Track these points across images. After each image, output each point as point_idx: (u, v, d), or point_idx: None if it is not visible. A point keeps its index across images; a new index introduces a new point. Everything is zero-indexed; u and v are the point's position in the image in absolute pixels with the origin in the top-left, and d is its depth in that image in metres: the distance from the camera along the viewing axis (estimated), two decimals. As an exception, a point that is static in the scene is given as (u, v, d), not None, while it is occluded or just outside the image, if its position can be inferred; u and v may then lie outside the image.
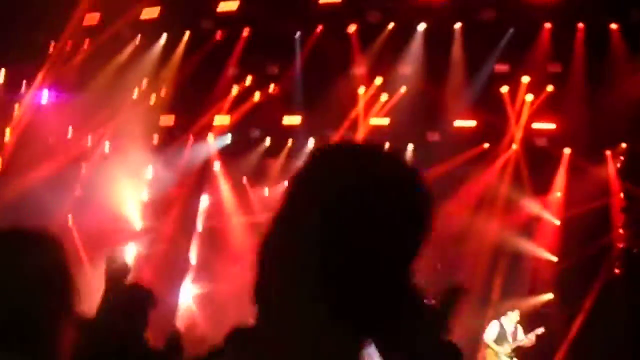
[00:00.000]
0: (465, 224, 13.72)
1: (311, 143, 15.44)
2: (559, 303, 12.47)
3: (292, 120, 15.28)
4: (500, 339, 12.40)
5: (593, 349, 11.98)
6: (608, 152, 14.21)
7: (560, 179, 14.49)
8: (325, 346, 1.42)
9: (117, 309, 5.71)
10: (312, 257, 1.46)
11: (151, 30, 15.02)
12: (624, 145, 14.01)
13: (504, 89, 14.59)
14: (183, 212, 15.53)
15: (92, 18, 14.64)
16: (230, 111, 15.53)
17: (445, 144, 14.58)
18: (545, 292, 13.41)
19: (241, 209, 15.64)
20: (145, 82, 15.34)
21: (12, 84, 15.26)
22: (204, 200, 15.99)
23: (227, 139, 15.75)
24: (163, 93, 15.31)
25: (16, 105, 15.26)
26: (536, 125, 14.58)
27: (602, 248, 13.55)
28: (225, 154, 15.78)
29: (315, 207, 1.47)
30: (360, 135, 15.19)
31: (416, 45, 14.69)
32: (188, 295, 14.16)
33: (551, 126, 14.39)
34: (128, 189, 15.12)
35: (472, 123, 14.59)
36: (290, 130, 15.36)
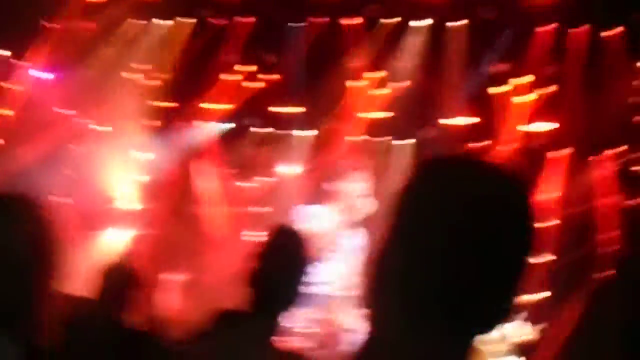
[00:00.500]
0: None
1: (307, 134, 15.45)
2: (551, 302, 12.46)
3: (288, 110, 15.27)
4: (500, 335, 12.36)
5: (585, 348, 11.99)
6: (604, 154, 14.22)
7: (555, 179, 14.49)
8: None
9: (104, 288, 5.70)
10: (436, 274, 1.51)
11: (149, 15, 15.01)
12: (620, 148, 14.03)
13: (502, 89, 14.60)
14: (177, 197, 15.52)
15: (91, -2, 14.64)
16: (226, 99, 15.50)
17: (441, 141, 14.58)
18: (539, 291, 13.39)
19: (230, 198, 15.65)
20: (141, 65, 15.31)
21: (6, 63, 15.20)
22: (197, 186, 15.98)
23: (223, 126, 15.73)
24: (160, 78, 15.29)
25: (11, 86, 15.20)
26: (533, 126, 14.60)
27: (595, 249, 13.57)
28: (220, 141, 15.76)
29: (440, 222, 1.51)
30: (357, 128, 15.19)
31: (414, 41, 14.72)
32: (175, 279, 14.14)
33: (548, 127, 14.42)
34: (122, 171, 15.08)
35: (469, 120, 14.60)
36: (287, 119, 15.34)
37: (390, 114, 14.90)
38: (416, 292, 1.44)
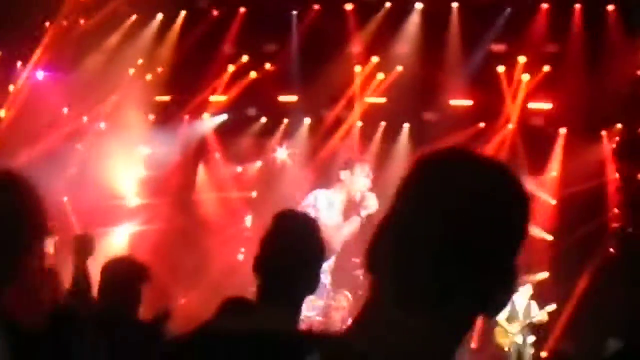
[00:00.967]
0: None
1: (307, 122, 15.47)
2: (554, 282, 12.49)
3: (288, 99, 15.29)
4: (512, 316, 12.26)
5: (588, 328, 12.01)
6: (604, 132, 14.21)
7: (556, 158, 14.49)
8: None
9: (109, 283, 5.74)
10: (429, 267, 1.52)
11: (147, 9, 15.01)
12: (620, 125, 14.01)
13: (501, 69, 14.59)
14: (179, 190, 15.56)
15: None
16: (226, 90, 15.52)
17: (441, 124, 14.59)
18: (541, 271, 13.43)
19: (232, 186, 15.71)
20: (141, 60, 15.34)
21: (8, 63, 15.24)
22: (200, 178, 16.03)
23: (223, 117, 15.76)
24: (159, 72, 15.31)
25: (11, 85, 15.25)
26: (532, 105, 14.59)
27: (597, 228, 13.58)
28: (221, 131, 15.80)
29: (436, 216, 1.53)
30: (356, 114, 15.21)
31: (413, 24, 14.70)
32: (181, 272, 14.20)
33: (548, 106, 14.41)
34: (124, 167, 15.13)
35: (468, 103, 14.60)
36: (287, 109, 15.36)
37: (390, 99, 14.91)
38: (408, 277, 1.49)
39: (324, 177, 11.47)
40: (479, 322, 13.09)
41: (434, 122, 14.72)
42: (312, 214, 7.04)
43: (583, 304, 12.76)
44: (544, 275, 12.90)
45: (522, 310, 12.29)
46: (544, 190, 14.39)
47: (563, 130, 14.48)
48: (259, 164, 15.73)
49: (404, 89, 14.59)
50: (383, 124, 15.14)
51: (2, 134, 14.75)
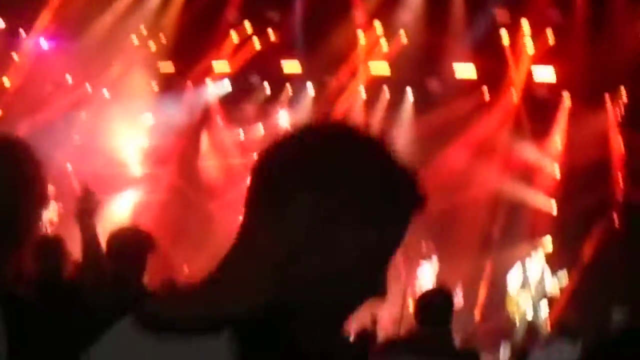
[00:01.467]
0: (464, 171, 13.75)
1: (310, 88, 15.45)
2: (557, 251, 12.44)
3: (291, 66, 15.26)
4: (524, 285, 11.99)
5: (591, 300, 12.00)
6: (608, 99, 14.14)
7: (560, 126, 14.46)
8: None
9: (114, 250, 5.76)
10: (293, 243, 1.45)
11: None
12: (624, 91, 13.93)
13: (504, 35, 14.52)
14: (183, 158, 15.59)
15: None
16: (229, 57, 15.50)
17: (445, 91, 14.57)
18: (548, 240, 13.30)
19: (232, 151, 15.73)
20: (144, 28, 15.31)
21: (11, 32, 15.24)
22: (203, 145, 16.05)
23: (227, 85, 15.75)
24: (162, 40, 15.29)
25: (14, 53, 15.25)
26: (536, 71, 14.54)
27: (601, 197, 13.54)
28: (225, 99, 15.80)
29: (302, 192, 1.45)
30: (359, 81, 15.18)
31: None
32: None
33: (551, 72, 14.35)
34: (127, 135, 15.16)
35: (471, 68, 14.53)
36: (290, 76, 15.35)
37: (393, 66, 14.88)
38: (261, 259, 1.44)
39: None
40: (484, 292, 12.95)
41: (437, 90, 14.70)
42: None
43: (587, 274, 12.74)
44: (546, 239, 12.77)
45: (536, 280, 12.00)
46: (548, 158, 14.39)
47: (566, 95, 14.40)
48: (261, 128, 15.70)
49: (407, 55, 14.56)
50: (386, 89, 15.12)
51: (6, 102, 14.78)
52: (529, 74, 14.59)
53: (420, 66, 14.57)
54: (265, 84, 15.59)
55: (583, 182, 13.45)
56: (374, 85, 15.15)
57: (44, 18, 15.01)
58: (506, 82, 14.74)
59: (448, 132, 13.91)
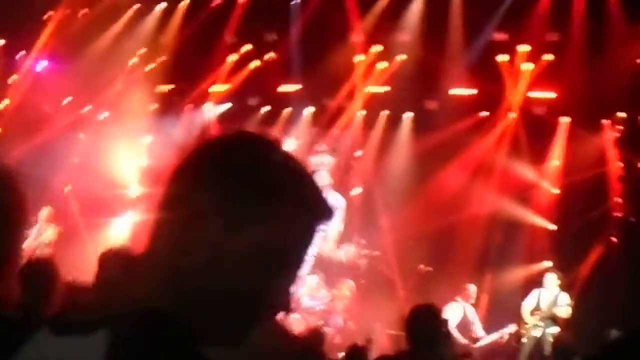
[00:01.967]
0: (462, 191, 13.74)
1: (308, 111, 15.47)
2: (556, 271, 12.42)
3: (289, 88, 15.28)
4: (536, 309, 12.00)
5: (589, 318, 11.95)
6: (606, 121, 14.17)
7: (558, 147, 14.47)
8: None
9: (105, 273, 5.72)
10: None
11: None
12: (622, 114, 13.97)
13: (502, 58, 14.56)
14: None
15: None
16: (228, 79, 15.52)
17: (443, 112, 14.59)
18: (543, 260, 13.36)
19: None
20: (142, 49, 15.35)
21: (10, 52, 15.28)
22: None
23: (225, 106, 15.77)
24: (161, 61, 15.32)
25: (14, 74, 15.28)
26: (534, 94, 14.56)
27: (599, 216, 13.54)
28: (224, 121, 15.80)
29: (196, 193, 1.49)
30: (357, 103, 15.20)
31: (414, 12, 14.68)
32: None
33: (549, 95, 14.37)
34: (126, 156, 15.15)
35: (470, 91, 14.58)
36: (288, 98, 15.37)
37: (391, 87, 14.91)
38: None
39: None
40: (482, 311, 12.80)
41: (435, 110, 14.72)
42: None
43: (584, 294, 12.71)
44: (547, 264, 12.82)
45: (548, 304, 11.93)
46: (545, 179, 14.39)
47: (565, 119, 14.44)
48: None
49: (405, 77, 14.59)
50: (385, 112, 15.14)
51: (4, 123, 14.79)
52: (527, 97, 14.61)
53: (419, 88, 14.60)
54: (264, 106, 15.59)
55: (581, 202, 13.46)
56: (372, 106, 15.17)
57: (44, 39, 15.06)
58: (504, 105, 14.76)
59: (446, 152, 13.92)
